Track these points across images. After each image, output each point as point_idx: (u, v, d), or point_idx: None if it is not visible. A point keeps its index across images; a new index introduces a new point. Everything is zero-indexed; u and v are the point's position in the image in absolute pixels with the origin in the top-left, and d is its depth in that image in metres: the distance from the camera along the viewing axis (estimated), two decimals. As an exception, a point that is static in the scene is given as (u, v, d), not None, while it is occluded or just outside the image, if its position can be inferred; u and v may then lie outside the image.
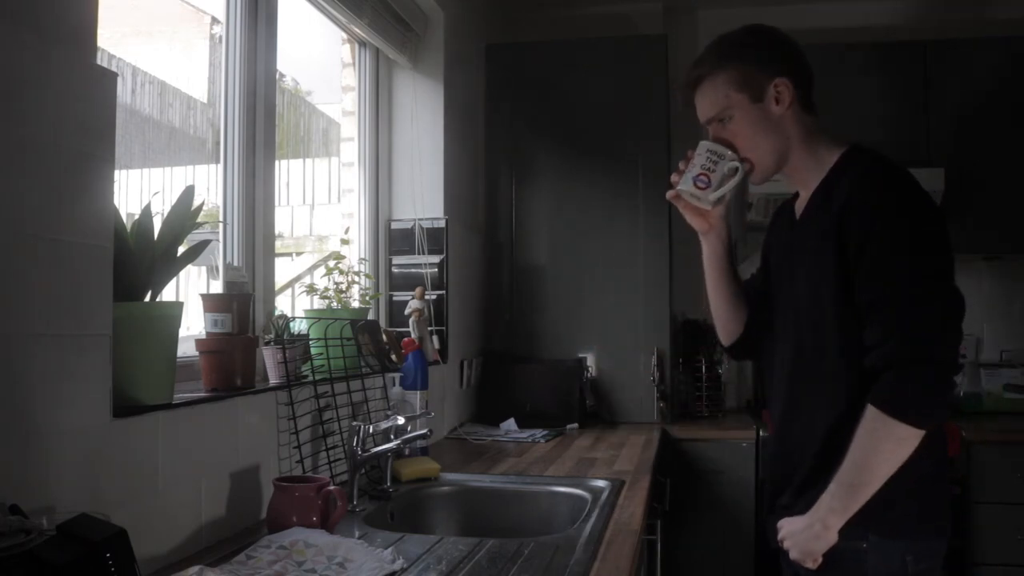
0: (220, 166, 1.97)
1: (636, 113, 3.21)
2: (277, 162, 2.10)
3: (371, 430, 1.89)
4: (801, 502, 1.46)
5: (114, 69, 1.29)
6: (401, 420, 1.97)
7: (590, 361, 3.21)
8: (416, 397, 2.24)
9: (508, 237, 3.30)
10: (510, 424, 2.94)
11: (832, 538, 1.39)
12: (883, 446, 1.32)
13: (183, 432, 1.43)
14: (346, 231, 2.53)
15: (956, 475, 2.73)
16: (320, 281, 2.26)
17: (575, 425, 3.00)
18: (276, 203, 2.08)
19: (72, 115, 1.18)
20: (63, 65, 1.16)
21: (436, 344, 2.65)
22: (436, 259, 2.82)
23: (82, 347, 1.20)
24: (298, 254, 3.48)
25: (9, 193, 1.07)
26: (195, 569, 1.16)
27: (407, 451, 2.06)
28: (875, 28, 3.51)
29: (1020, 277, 3.46)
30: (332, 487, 1.55)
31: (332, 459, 1.92)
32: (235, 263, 1.96)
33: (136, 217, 1.40)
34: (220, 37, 2.04)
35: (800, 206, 1.56)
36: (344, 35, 2.70)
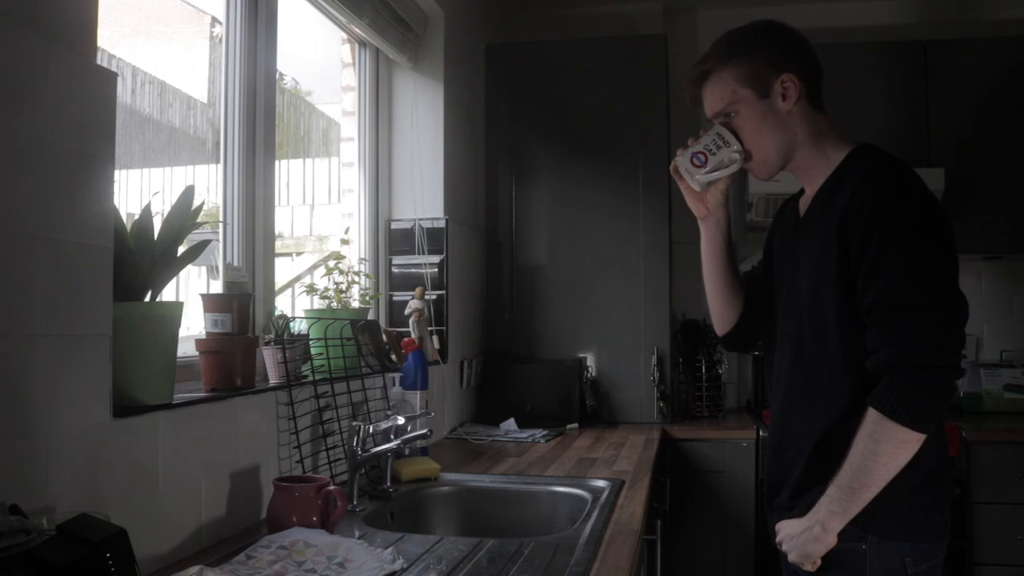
0: (220, 166, 1.97)
1: (636, 113, 3.21)
2: (277, 162, 2.09)
3: (371, 430, 1.89)
4: (800, 503, 1.46)
5: (114, 69, 1.29)
6: (401, 420, 1.97)
7: (590, 361, 3.21)
8: (416, 397, 2.24)
9: (508, 237, 3.30)
10: (510, 424, 2.94)
11: (831, 541, 1.38)
12: (883, 449, 1.32)
13: (183, 432, 1.43)
14: (346, 231, 2.53)
15: (956, 475, 2.73)
16: (320, 281, 2.26)
17: (575, 425, 3.01)
18: (276, 203, 2.08)
19: (72, 115, 1.18)
20: (63, 65, 1.16)
21: (436, 344, 2.65)
22: (436, 259, 2.82)
23: (82, 347, 1.20)
24: (298, 254, 3.48)
25: (9, 193, 1.07)
26: (195, 569, 1.16)
27: (407, 451, 2.06)
28: (875, 28, 3.51)
29: (1020, 277, 3.46)
30: (332, 487, 1.55)
31: (332, 459, 1.92)
32: (235, 263, 1.96)
33: (136, 217, 1.40)
34: (220, 37, 2.04)
35: (805, 203, 1.56)
36: (344, 35, 2.70)
